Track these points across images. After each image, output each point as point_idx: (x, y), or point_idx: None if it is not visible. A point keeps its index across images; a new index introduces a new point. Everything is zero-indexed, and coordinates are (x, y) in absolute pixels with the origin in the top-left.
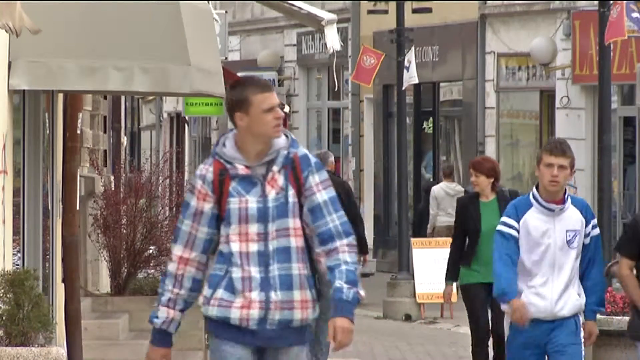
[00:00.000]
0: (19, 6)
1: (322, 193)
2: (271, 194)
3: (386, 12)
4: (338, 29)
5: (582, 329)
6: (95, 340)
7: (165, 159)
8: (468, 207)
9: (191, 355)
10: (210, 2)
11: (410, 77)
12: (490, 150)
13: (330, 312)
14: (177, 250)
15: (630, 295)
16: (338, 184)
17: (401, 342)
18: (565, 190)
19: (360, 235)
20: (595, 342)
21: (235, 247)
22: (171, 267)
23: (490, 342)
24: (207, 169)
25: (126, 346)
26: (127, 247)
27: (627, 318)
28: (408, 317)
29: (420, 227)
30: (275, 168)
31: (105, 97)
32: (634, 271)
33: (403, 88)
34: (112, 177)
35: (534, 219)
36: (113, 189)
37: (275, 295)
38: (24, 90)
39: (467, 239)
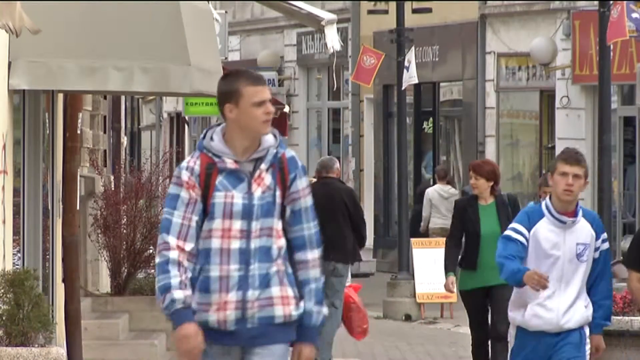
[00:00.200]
0: (19, 6)
1: (307, 199)
2: (257, 191)
3: (386, 12)
4: (338, 29)
5: (587, 341)
6: (95, 340)
7: (165, 159)
8: (467, 209)
9: None
10: (210, 2)
11: (410, 77)
12: (490, 150)
13: (297, 334)
14: (172, 240)
15: None
16: (345, 192)
17: (401, 342)
18: (578, 202)
19: (362, 235)
20: None
21: (216, 243)
22: (172, 254)
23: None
24: (194, 162)
25: (126, 346)
26: (127, 247)
27: (627, 318)
28: (408, 317)
29: (415, 229)
30: (263, 166)
31: (105, 97)
32: None
33: (403, 88)
34: (112, 177)
35: (545, 230)
36: (113, 189)
37: (252, 294)
38: (24, 90)
39: (464, 241)
